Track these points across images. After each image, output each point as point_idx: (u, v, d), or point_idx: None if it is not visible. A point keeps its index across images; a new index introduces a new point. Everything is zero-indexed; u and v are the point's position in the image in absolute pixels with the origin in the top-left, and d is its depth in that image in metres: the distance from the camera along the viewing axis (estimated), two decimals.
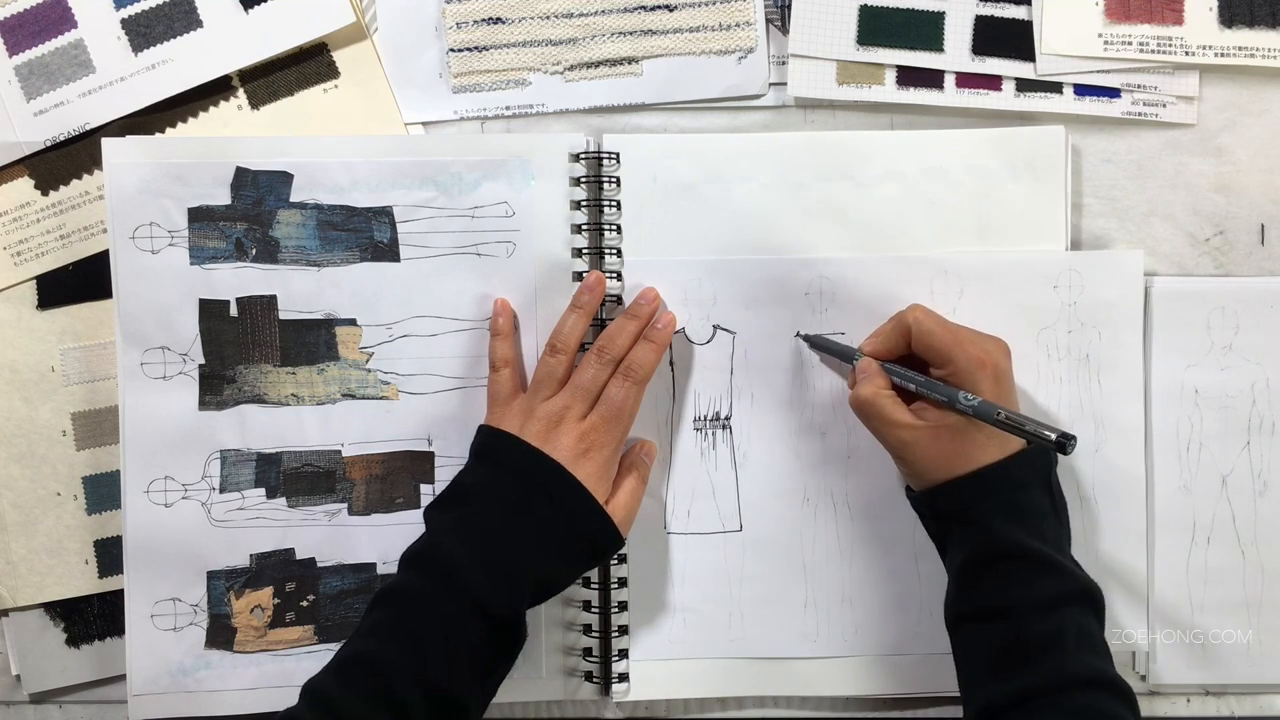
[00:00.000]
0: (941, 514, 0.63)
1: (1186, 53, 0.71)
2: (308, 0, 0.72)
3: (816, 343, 0.70)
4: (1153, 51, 0.71)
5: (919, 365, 0.65)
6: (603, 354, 0.66)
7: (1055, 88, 0.72)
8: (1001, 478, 0.61)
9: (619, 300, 0.70)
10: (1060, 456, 0.59)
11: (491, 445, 0.65)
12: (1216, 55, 0.71)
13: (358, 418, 0.70)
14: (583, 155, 0.71)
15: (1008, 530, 0.60)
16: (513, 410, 0.66)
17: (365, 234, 0.70)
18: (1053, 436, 0.57)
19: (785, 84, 0.72)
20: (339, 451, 0.71)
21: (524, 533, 0.62)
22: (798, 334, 0.71)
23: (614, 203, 0.70)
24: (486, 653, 0.61)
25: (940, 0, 0.72)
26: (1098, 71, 0.71)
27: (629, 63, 0.73)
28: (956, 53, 0.72)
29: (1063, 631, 0.58)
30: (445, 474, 0.71)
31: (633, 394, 0.66)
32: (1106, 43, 0.71)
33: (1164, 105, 0.72)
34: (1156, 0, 0.71)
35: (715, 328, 0.71)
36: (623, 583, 0.71)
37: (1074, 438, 0.57)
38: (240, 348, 0.70)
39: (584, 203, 0.70)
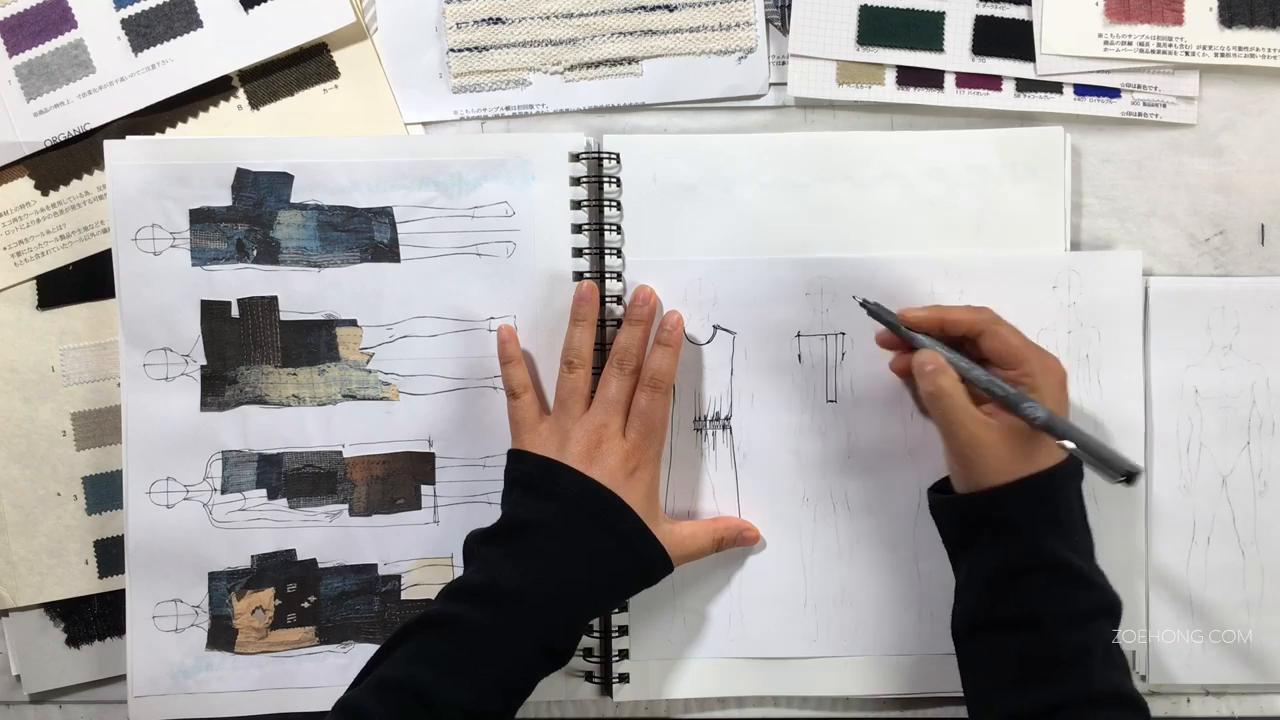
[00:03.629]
0: (976, 520, 0.62)
1: (1186, 53, 0.71)
2: (308, 0, 0.72)
3: (876, 311, 0.66)
4: (1153, 51, 0.71)
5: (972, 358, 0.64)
6: (623, 365, 0.67)
7: (1055, 88, 0.72)
8: (1048, 486, 0.60)
9: (619, 300, 0.70)
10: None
11: (539, 474, 0.65)
12: (1216, 55, 0.71)
13: (358, 418, 0.70)
14: (583, 155, 0.71)
15: (1049, 541, 0.59)
16: (544, 433, 0.66)
17: (366, 234, 0.70)
18: (1124, 469, 0.56)
19: (785, 84, 0.72)
20: (340, 452, 0.71)
21: (583, 566, 0.62)
22: (858, 298, 0.67)
23: (614, 203, 0.70)
24: (535, 682, 0.62)
25: (940, 0, 0.72)
26: (1098, 71, 0.72)
27: (629, 63, 0.73)
28: (956, 53, 0.72)
29: (1091, 646, 0.58)
30: (446, 474, 0.71)
31: (661, 403, 0.66)
32: (1106, 43, 0.71)
33: (1164, 105, 0.72)
34: (1156, 0, 0.71)
35: (715, 328, 0.71)
36: None
37: (1140, 470, 0.56)
38: (241, 349, 0.70)
39: (584, 203, 0.70)
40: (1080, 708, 0.56)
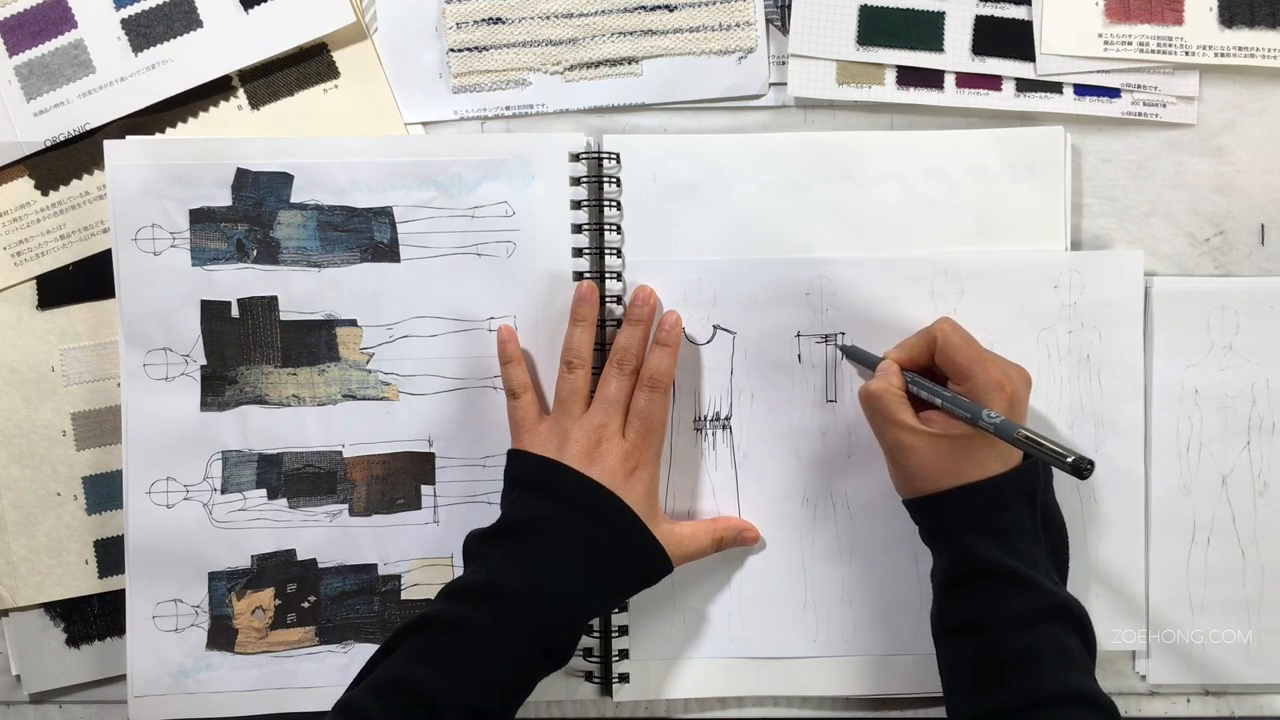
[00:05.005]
0: (923, 526, 0.64)
1: (1186, 53, 0.71)
2: (308, 0, 0.72)
3: (851, 353, 0.70)
4: (1153, 51, 0.71)
5: (940, 380, 0.65)
6: (623, 366, 0.67)
7: (1055, 88, 0.72)
8: (980, 495, 0.61)
9: (619, 300, 0.70)
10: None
11: (539, 474, 0.65)
12: (1216, 55, 0.71)
13: (358, 418, 0.70)
14: (583, 155, 0.71)
15: (982, 547, 0.60)
16: (544, 433, 0.66)
17: (365, 234, 0.70)
18: (1070, 459, 0.56)
19: (785, 84, 0.72)
20: (340, 452, 0.71)
21: (582, 566, 0.62)
22: (837, 345, 0.70)
23: (614, 203, 0.70)
24: (534, 682, 0.62)
25: (940, 0, 0.72)
26: (1098, 71, 0.72)
27: (629, 63, 0.73)
28: (956, 53, 0.72)
29: (1039, 648, 0.58)
30: (446, 474, 0.71)
31: (660, 403, 0.67)
32: (1106, 43, 0.71)
33: (1164, 105, 0.72)
34: (1156, 0, 0.71)
35: (715, 328, 0.71)
36: None
37: (1092, 463, 0.56)
38: (242, 349, 0.70)
39: (584, 203, 0.70)
40: (1033, 709, 0.56)
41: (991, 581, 0.60)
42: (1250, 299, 0.71)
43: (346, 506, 0.71)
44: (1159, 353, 0.71)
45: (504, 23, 0.72)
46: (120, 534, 0.71)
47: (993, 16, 0.72)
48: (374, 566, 0.71)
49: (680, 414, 0.71)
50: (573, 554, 0.62)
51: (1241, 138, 0.72)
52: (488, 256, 0.70)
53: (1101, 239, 0.72)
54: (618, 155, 0.71)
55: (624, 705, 0.72)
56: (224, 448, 0.70)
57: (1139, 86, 0.72)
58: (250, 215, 0.70)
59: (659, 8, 0.72)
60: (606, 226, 0.71)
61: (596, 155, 0.71)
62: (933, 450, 0.61)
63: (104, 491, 0.72)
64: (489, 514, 0.68)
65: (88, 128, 0.72)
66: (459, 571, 0.70)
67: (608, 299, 0.70)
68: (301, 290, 0.70)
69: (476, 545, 0.64)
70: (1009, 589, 0.59)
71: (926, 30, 0.72)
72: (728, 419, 0.71)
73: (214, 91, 0.73)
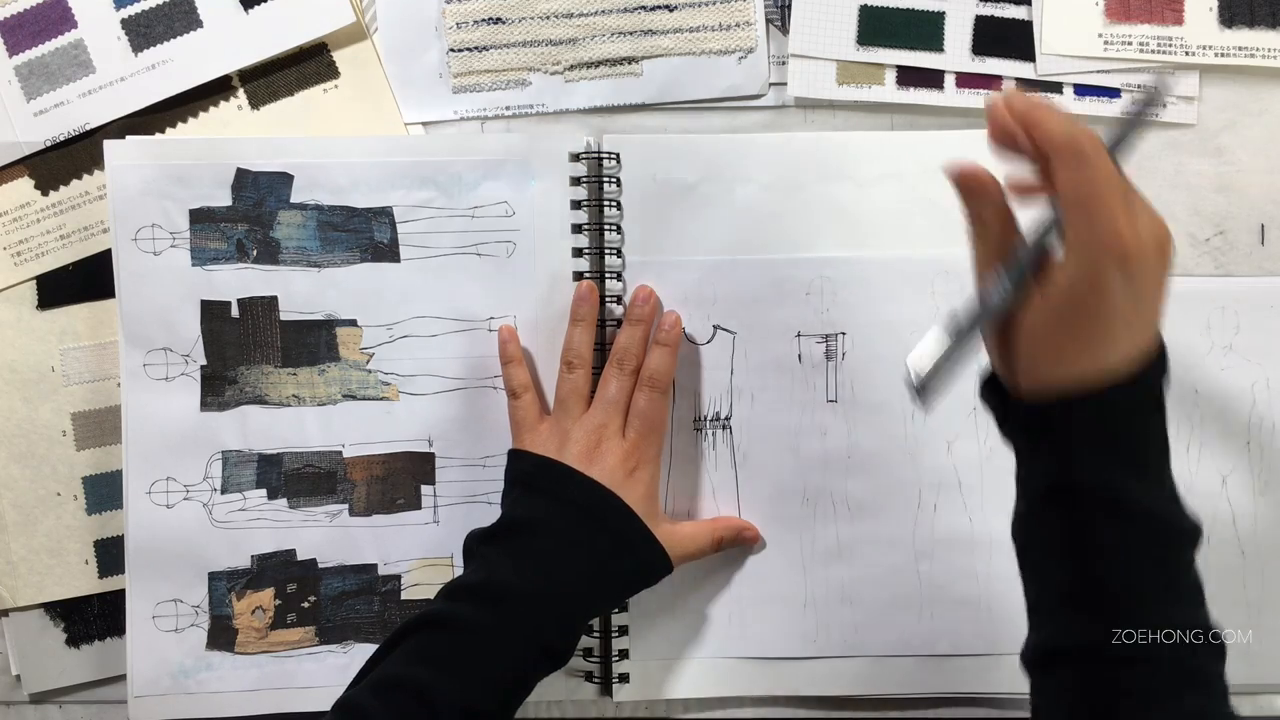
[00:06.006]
0: (1024, 429, 0.50)
1: (1187, 53, 0.71)
2: (308, 0, 0.72)
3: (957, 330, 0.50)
4: (1153, 51, 0.71)
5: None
6: (623, 365, 0.67)
7: (1055, 88, 0.72)
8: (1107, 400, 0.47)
9: (619, 300, 0.70)
10: None
11: (539, 474, 0.65)
12: (1217, 55, 0.71)
13: (358, 418, 0.70)
14: (583, 155, 0.71)
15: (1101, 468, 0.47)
16: (544, 433, 0.66)
17: (365, 234, 0.70)
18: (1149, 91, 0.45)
19: (785, 84, 0.72)
20: (340, 452, 0.71)
21: (582, 566, 0.62)
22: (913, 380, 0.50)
23: (614, 203, 0.71)
24: (534, 681, 0.62)
25: (940, 0, 0.72)
26: (1098, 72, 0.72)
27: (629, 63, 0.73)
28: (956, 53, 0.72)
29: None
30: (446, 474, 0.71)
31: (659, 402, 0.67)
32: (1106, 43, 0.71)
33: (1164, 105, 0.72)
34: (1156, 0, 0.71)
35: (715, 328, 0.71)
36: None
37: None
38: (241, 349, 0.70)
39: (584, 203, 0.71)
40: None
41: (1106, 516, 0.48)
42: (1250, 299, 0.71)
43: (346, 506, 0.71)
44: None
45: (504, 23, 0.72)
46: (120, 534, 0.71)
47: (993, 16, 0.72)
48: (374, 566, 0.71)
49: (680, 414, 0.71)
50: (573, 554, 0.62)
51: (1241, 138, 0.72)
52: (488, 256, 0.70)
53: None
54: (618, 155, 0.71)
55: (624, 705, 0.72)
56: (224, 448, 0.70)
57: (1138, 86, 0.72)
58: (250, 215, 0.70)
59: (659, 8, 0.72)
60: (606, 226, 0.71)
61: (596, 155, 0.71)
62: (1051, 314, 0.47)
63: (104, 491, 0.72)
64: (489, 514, 0.68)
65: (88, 128, 0.72)
66: (459, 571, 0.70)
67: (608, 299, 0.70)
68: (301, 290, 0.70)
69: (476, 545, 0.64)
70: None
71: (926, 30, 0.72)
72: (728, 419, 0.71)
73: (214, 91, 0.73)
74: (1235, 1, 0.71)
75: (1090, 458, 0.48)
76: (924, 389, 0.49)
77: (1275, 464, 0.71)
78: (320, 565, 0.71)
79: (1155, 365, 0.48)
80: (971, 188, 0.50)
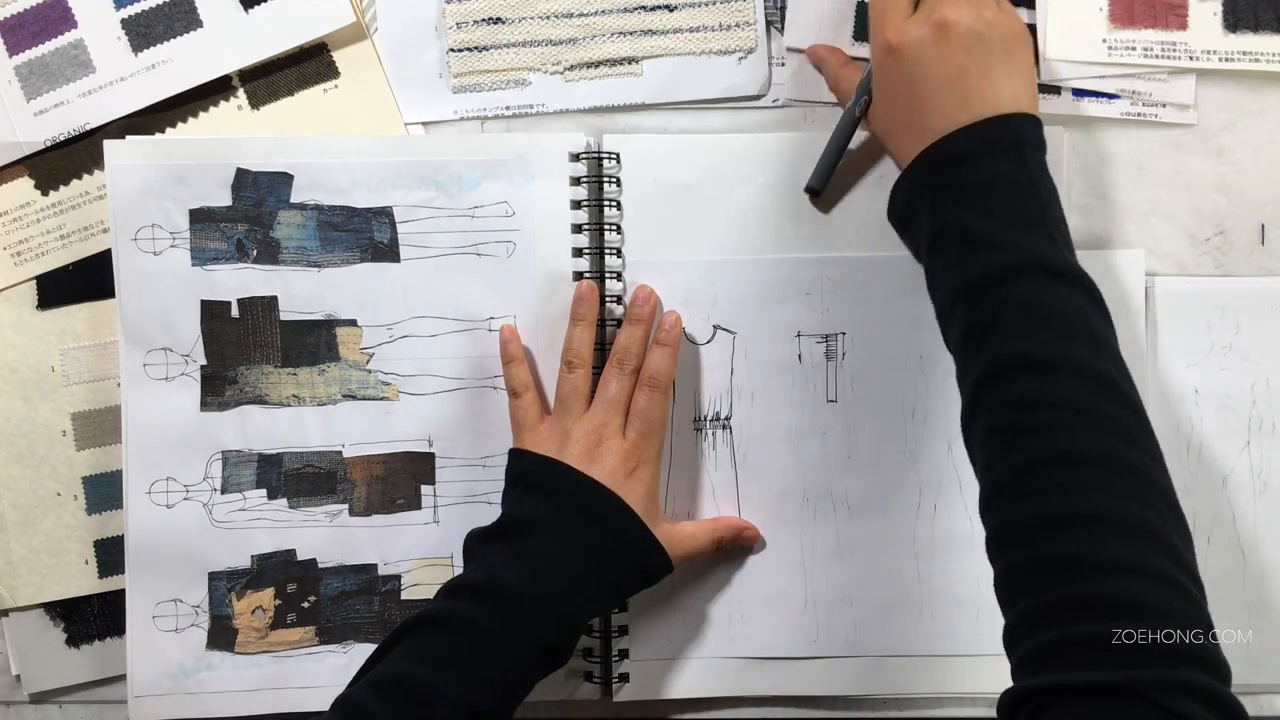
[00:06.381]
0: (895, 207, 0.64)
1: (1190, 57, 0.71)
2: (308, 0, 0.72)
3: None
4: (1156, 56, 0.71)
5: None
6: (624, 365, 0.67)
7: (1054, 89, 0.72)
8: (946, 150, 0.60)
9: (619, 300, 0.70)
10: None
11: (539, 473, 0.65)
12: (1221, 60, 0.71)
13: (358, 418, 0.70)
14: (583, 155, 0.71)
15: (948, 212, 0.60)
16: (545, 433, 0.66)
17: (365, 234, 0.70)
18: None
19: (785, 84, 0.72)
20: (340, 452, 0.71)
21: (582, 565, 0.62)
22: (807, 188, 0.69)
23: (614, 203, 0.71)
24: (533, 680, 0.62)
25: None
26: (1101, 77, 0.71)
27: (629, 63, 0.73)
28: None
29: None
30: (446, 474, 0.71)
31: (660, 402, 0.67)
32: (1110, 48, 0.71)
33: (1164, 106, 0.72)
34: (1160, 5, 0.71)
35: (715, 328, 0.71)
36: None
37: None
38: (241, 349, 0.70)
39: (584, 203, 0.71)
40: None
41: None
42: (1250, 299, 0.71)
43: (346, 506, 0.71)
44: (1159, 353, 0.71)
45: (504, 23, 0.72)
46: (120, 534, 0.71)
47: None
48: (374, 566, 0.71)
49: (680, 414, 0.71)
50: (572, 553, 0.62)
51: (1241, 138, 0.72)
52: (488, 256, 0.70)
53: (1101, 239, 0.72)
54: (618, 155, 0.71)
55: (624, 705, 0.72)
56: (224, 448, 0.70)
57: (1134, 93, 0.72)
58: (250, 215, 0.70)
59: (659, 8, 0.72)
60: (606, 226, 0.71)
61: (596, 155, 0.71)
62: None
63: (104, 491, 0.72)
64: (489, 514, 0.68)
65: (88, 128, 0.72)
66: (459, 571, 0.70)
67: (608, 299, 0.70)
68: (301, 290, 0.70)
69: (476, 544, 0.64)
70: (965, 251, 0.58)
71: None
72: (728, 419, 0.71)
73: (214, 91, 0.73)
74: (1240, 6, 0.71)
75: (941, 206, 0.60)
76: (816, 188, 0.69)
77: (1275, 464, 0.71)
78: (320, 565, 0.71)
79: (990, 123, 0.60)
80: (822, 56, 0.70)
